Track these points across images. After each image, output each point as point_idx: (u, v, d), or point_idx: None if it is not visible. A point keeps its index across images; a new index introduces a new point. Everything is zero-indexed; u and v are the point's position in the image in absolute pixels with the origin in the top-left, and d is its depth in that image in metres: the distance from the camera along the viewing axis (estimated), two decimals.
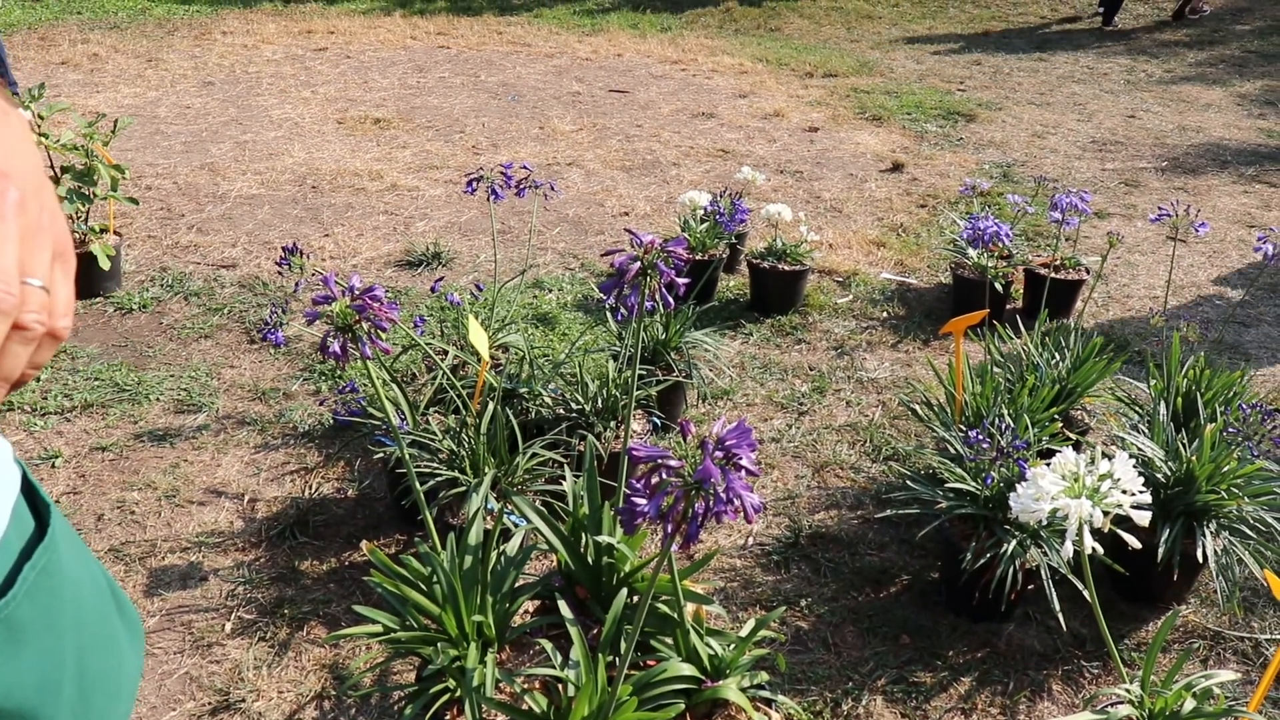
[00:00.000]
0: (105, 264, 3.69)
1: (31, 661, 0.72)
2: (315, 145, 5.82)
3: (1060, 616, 2.32)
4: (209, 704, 2.20)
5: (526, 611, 2.18)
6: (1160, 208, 2.90)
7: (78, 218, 3.75)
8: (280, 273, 2.47)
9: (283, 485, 2.90)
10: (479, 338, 2.35)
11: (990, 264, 3.85)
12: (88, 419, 3.16)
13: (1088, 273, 4.00)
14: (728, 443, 1.28)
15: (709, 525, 2.80)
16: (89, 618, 0.80)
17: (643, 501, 1.30)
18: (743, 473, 1.28)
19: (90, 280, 3.85)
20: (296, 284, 2.45)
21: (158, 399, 3.28)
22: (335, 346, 1.73)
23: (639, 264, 1.76)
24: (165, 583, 2.53)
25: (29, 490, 0.78)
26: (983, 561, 2.32)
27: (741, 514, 1.27)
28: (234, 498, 2.84)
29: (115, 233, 3.98)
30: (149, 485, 2.87)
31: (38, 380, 3.32)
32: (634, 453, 1.33)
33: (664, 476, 1.29)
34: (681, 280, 1.79)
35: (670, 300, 1.79)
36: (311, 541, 2.68)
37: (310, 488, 2.89)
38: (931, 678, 2.33)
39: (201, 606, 2.47)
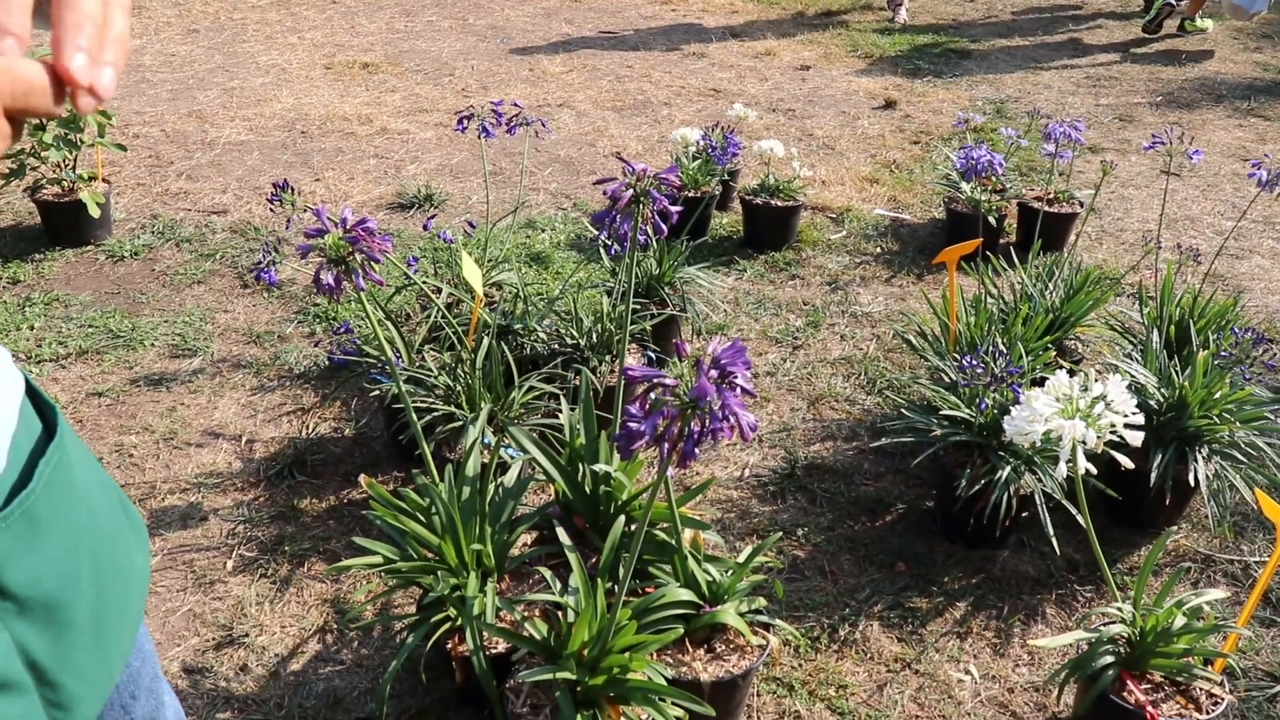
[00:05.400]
0: (95, 211, 3.67)
1: (52, 553, 0.74)
2: (303, 90, 5.77)
3: (1054, 542, 2.34)
4: (213, 639, 2.23)
5: (525, 545, 2.21)
6: (1154, 136, 2.89)
7: (65, 165, 3.73)
8: (272, 210, 2.46)
9: (280, 426, 2.91)
10: (473, 273, 2.34)
11: (983, 198, 3.84)
12: (83, 365, 3.16)
13: (1081, 206, 4.00)
14: (722, 361, 1.29)
15: (704, 456, 2.82)
16: (100, 514, 0.83)
17: (639, 425, 1.31)
18: (738, 390, 1.29)
19: (80, 228, 3.83)
20: (288, 221, 2.44)
21: (152, 344, 3.28)
22: (329, 279, 1.72)
23: (632, 191, 1.76)
24: (166, 523, 2.55)
25: (32, 395, 0.80)
26: (977, 488, 2.34)
27: (737, 432, 1.28)
28: (232, 439, 2.85)
29: (104, 180, 3.95)
30: (146, 429, 2.88)
31: (31, 329, 3.32)
32: (630, 373, 1.34)
33: (660, 396, 1.30)
34: (674, 208, 1.79)
35: (663, 228, 1.78)
36: (310, 480, 2.70)
37: (307, 428, 2.90)
38: (927, 603, 2.36)
39: (203, 545, 2.49)
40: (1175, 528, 2.61)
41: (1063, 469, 1.74)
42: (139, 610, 0.88)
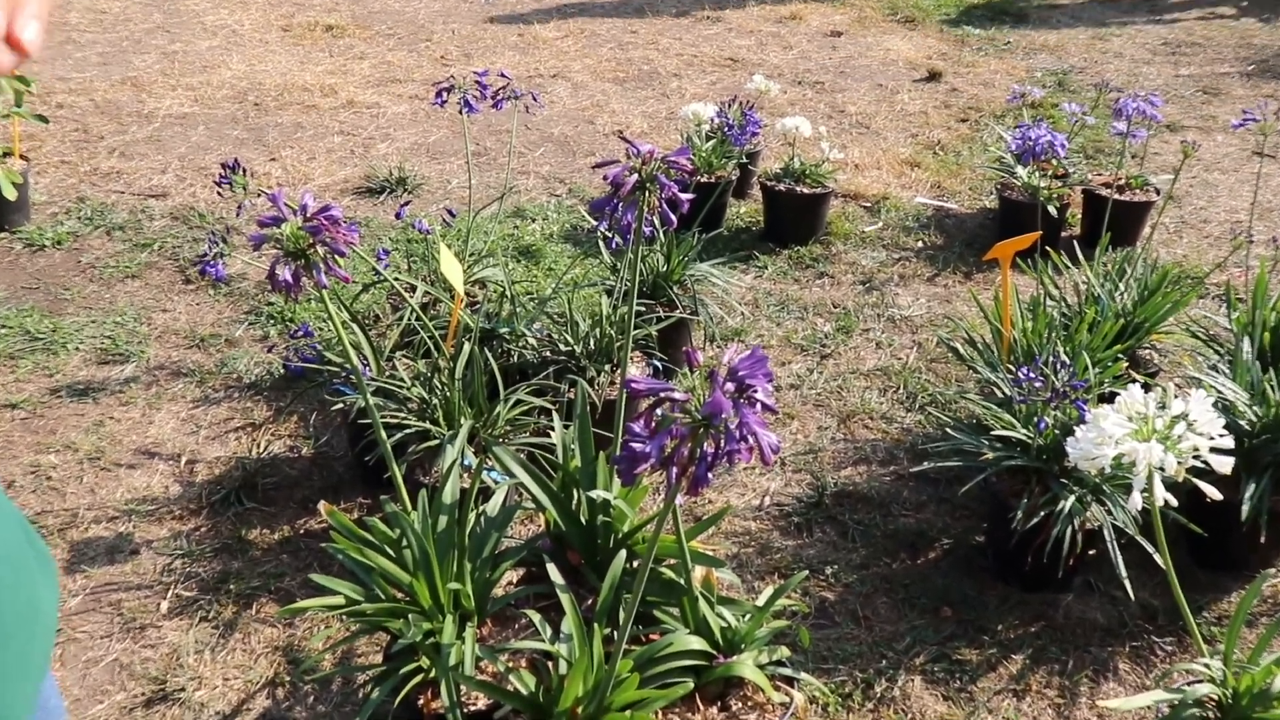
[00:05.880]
0: (10, 193, 3.66)
1: None
2: (257, 56, 5.78)
3: (1127, 585, 2.31)
4: (142, 695, 2.21)
5: (510, 583, 2.19)
6: (1245, 111, 2.88)
7: None
8: (220, 194, 2.46)
9: (226, 444, 2.90)
10: (452, 268, 2.34)
11: (1043, 184, 3.83)
12: None
13: (1157, 193, 3.99)
14: (740, 373, 1.28)
15: (718, 482, 2.81)
16: (1, 542, 0.81)
17: (643, 445, 1.30)
18: (758, 406, 1.28)
19: None
20: (239, 208, 2.44)
21: (77, 348, 3.27)
22: (286, 275, 1.72)
23: (636, 176, 1.75)
24: (89, 557, 2.53)
25: None
26: (1035, 521, 2.33)
27: (756, 454, 1.27)
28: (169, 459, 2.85)
29: (22, 157, 3.95)
30: (68, 447, 2.87)
31: None
32: (633, 385, 1.33)
33: (667, 412, 1.29)
34: (685, 196, 1.78)
35: (672, 218, 1.78)
36: (260, 507, 2.69)
37: (258, 446, 2.89)
38: (978, 655, 2.35)
39: (133, 583, 2.47)
40: (1273, 570, 2.60)
41: (1137, 500, 1.73)
42: (44, 658, 0.87)
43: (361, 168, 4.52)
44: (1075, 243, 3.73)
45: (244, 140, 4.75)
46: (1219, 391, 2.53)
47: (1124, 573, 2.29)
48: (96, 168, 4.42)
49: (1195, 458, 1.72)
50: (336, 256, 1.72)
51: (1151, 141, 4.78)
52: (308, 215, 1.70)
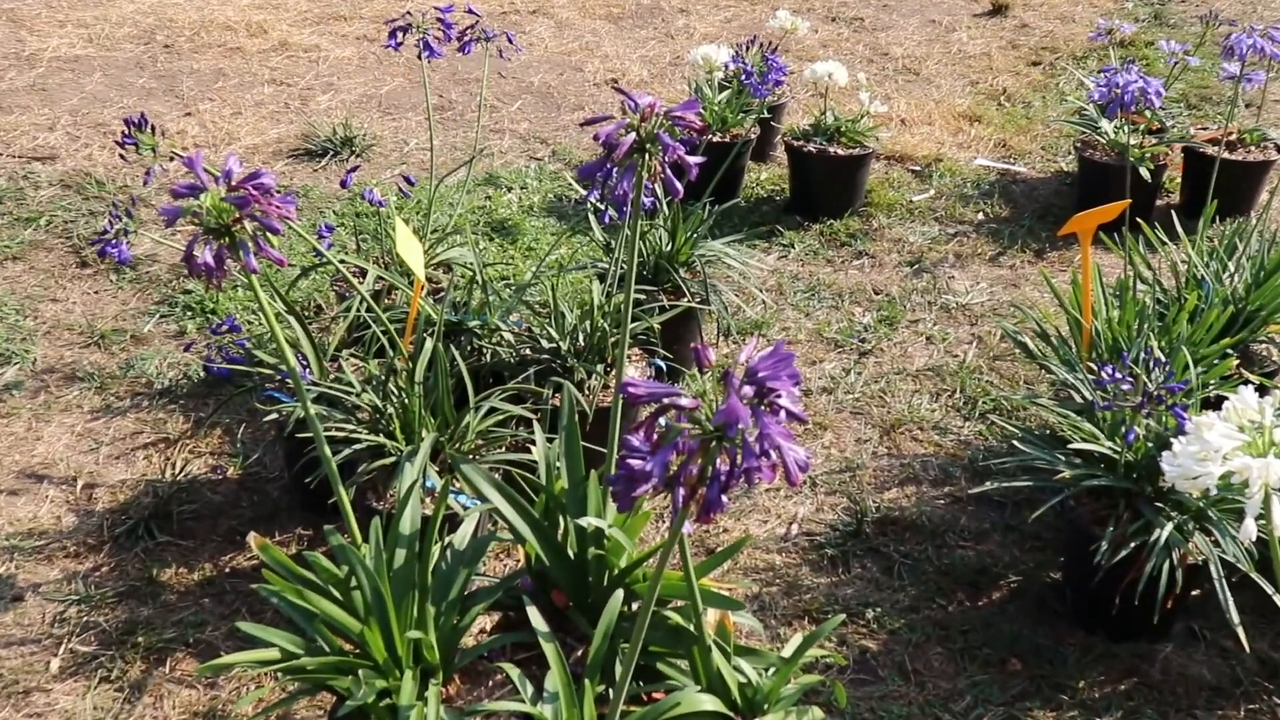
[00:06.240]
0: None
1: None
2: None
3: (1240, 633, 2.30)
4: None
5: (483, 631, 2.20)
6: None
7: None
8: (123, 157, 2.46)
9: (133, 464, 2.91)
10: (411, 250, 2.34)
11: (1133, 141, 3.84)
12: None
13: (1277, 151, 3.99)
14: (760, 374, 1.29)
15: (735, 506, 2.81)
16: None
17: (643, 462, 1.31)
18: (782, 415, 1.29)
19: None
20: (147, 174, 2.44)
21: None
22: (206, 256, 1.72)
23: (634, 136, 1.76)
24: None
25: None
26: (1124, 554, 2.33)
27: (781, 473, 1.28)
28: (61, 483, 2.85)
29: None
30: None
31: None
32: (631, 390, 1.34)
33: (673, 422, 1.30)
34: (694, 159, 1.79)
35: (678, 187, 1.79)
36: (176, 541, 2.69)
37: (173, 466, 2.90)
38: (1054, 719, 2.36)
39: (15, 638, 2.47)
40: None
41: (1250, 528, 1.73)
42: None
43: (298, 125, 4.53)
44: (1173, 213, 3.74)
45: (152, 90, 4.75)
46: None
47: (1236, 618, 2.28)
48: None
49: None
50: (268, 234, 1.73)
51: (1272, 87, 4.77)
52: (233, 183, 1.71)
